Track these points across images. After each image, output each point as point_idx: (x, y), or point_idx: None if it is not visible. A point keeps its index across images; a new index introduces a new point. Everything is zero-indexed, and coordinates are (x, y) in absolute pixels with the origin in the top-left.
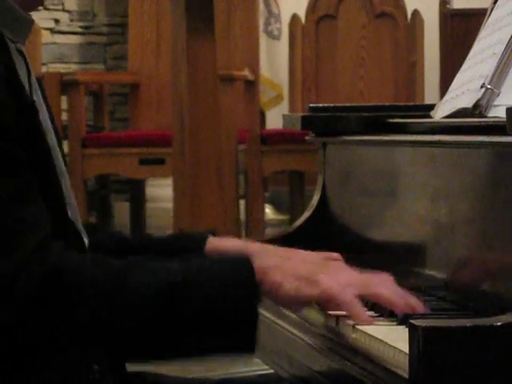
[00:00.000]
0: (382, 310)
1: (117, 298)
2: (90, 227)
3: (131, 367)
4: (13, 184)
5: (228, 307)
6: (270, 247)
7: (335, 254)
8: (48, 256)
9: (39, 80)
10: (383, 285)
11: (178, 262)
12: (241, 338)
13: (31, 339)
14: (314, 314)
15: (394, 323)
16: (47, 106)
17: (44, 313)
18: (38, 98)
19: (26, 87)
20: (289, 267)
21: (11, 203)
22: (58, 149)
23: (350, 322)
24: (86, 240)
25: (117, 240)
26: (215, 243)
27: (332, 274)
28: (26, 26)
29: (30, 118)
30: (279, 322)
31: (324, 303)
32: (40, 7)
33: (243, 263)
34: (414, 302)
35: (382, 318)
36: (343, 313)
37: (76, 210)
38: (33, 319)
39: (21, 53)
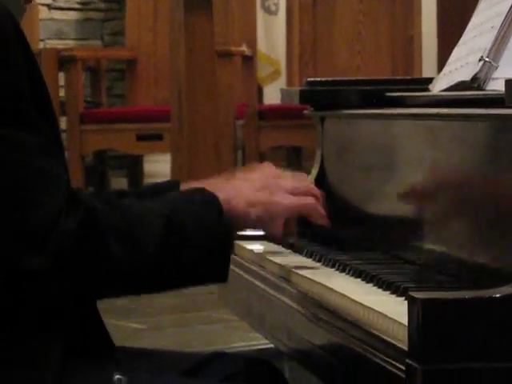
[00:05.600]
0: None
1: (134, 235)
2: None
3: (124, 343)
4: (41, 138)
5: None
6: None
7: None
8: (81, 198)
9: None
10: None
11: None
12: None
13: (73, 284)
14: (316, 289)
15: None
16: None
17: (84, 255)
18: None
19: None
20: (247, 195)
21: (43, 154)
22: None
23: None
24: None
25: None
26: None
27: (282, 192)
28: (21, 10)
29: (42, 86)
30: (278, 295)
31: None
32: None
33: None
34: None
35: (380, 291)
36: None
37: None
38: (75, 262)
39: None
